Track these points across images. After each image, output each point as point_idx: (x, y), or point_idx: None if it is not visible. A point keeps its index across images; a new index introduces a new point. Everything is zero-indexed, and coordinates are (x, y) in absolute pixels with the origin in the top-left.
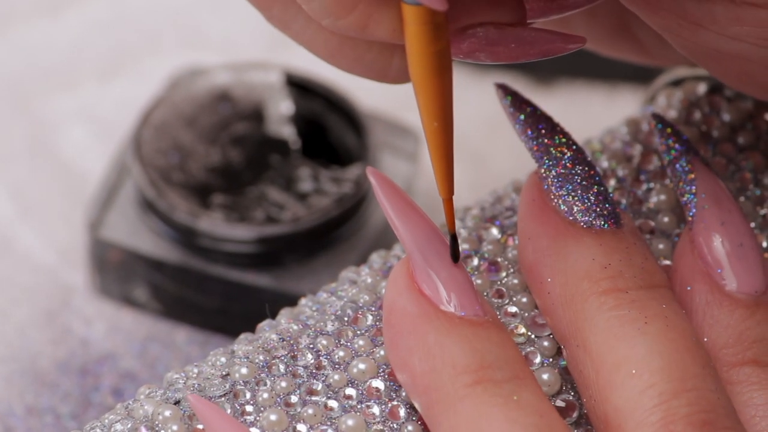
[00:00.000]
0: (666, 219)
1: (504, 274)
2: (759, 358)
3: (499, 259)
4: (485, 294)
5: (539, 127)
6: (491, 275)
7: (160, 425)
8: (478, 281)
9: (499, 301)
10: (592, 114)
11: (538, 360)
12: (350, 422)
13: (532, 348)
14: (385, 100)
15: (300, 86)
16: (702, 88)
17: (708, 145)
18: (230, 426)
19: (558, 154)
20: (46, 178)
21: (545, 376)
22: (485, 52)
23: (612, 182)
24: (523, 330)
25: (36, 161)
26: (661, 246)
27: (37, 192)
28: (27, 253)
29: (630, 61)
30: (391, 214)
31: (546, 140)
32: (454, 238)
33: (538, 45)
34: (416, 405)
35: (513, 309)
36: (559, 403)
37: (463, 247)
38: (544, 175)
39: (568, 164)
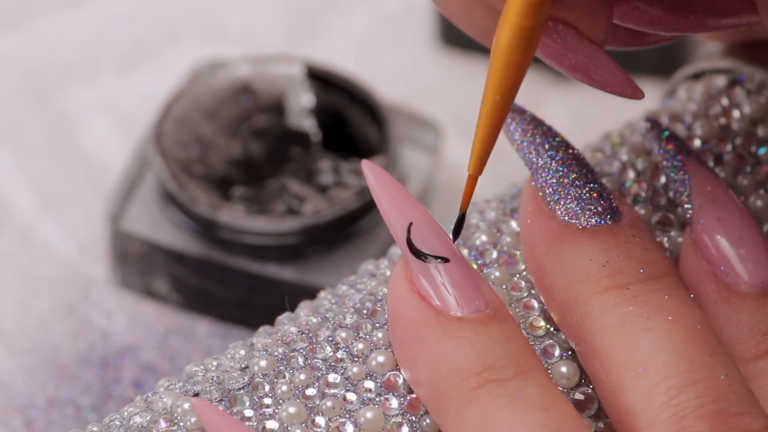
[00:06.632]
0: None
1: (523, 267)
2: None
3: (518, 252)
4: (504, 287)
5: (530, 132)
6: (510, 268)
7: (179, 418)
8: (497, 274)
9: (518, 294)
10: (612, 107)
11: (557, 353)
12: (369, 415)
13: (551, 341)
14: (406, 93)
15: (321, 79)
16: (722, 81)
17: (727, 138)
18: (235, 430)
19: (548, 160)
20: (67, 171)
21: (564, 369)
22: (554, 52)
23: (631, 175)
24: (542, 323)
25: (57, 154)
26: (680, 239)
27: (58, 184)
28: (48, 245)
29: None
30: (386, 208)
31: (537, 147)
32: (462, 218)
33: (601, 73)
34: (428, 411)
35: (532, 302)
36: (578, 395)
37: (481, 239)
38: (537, 180)
39: (560, 168)
